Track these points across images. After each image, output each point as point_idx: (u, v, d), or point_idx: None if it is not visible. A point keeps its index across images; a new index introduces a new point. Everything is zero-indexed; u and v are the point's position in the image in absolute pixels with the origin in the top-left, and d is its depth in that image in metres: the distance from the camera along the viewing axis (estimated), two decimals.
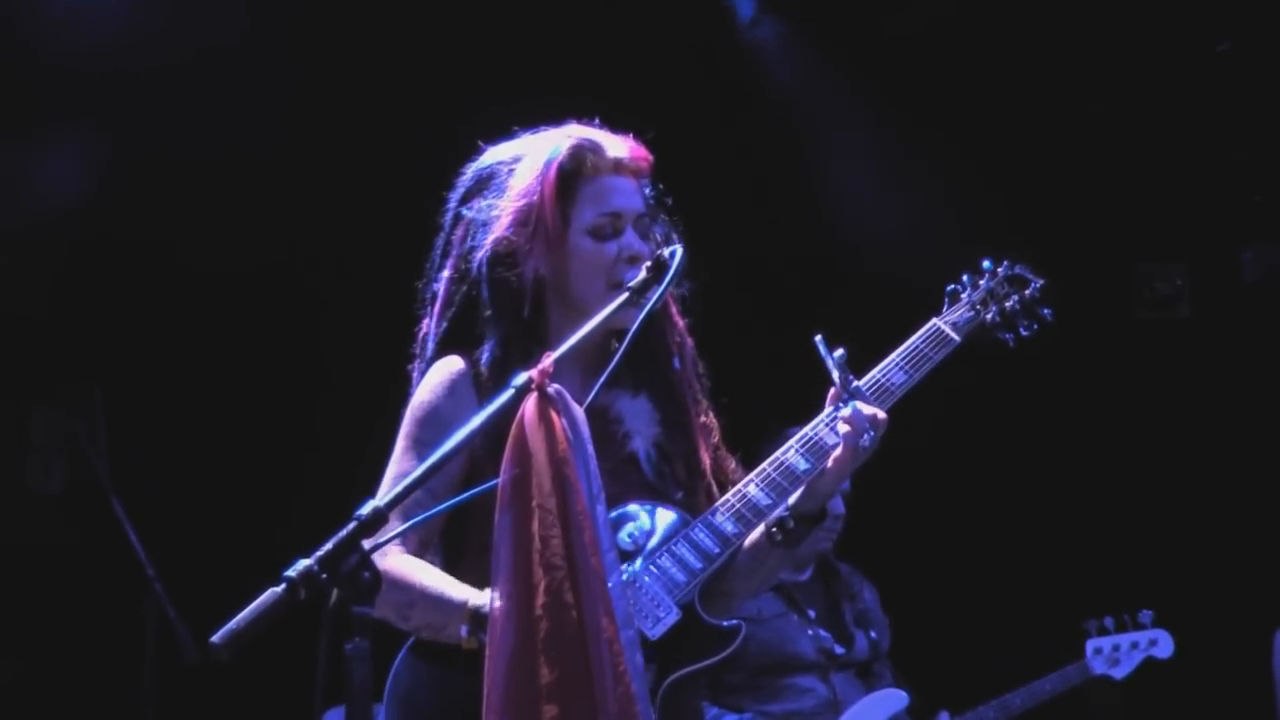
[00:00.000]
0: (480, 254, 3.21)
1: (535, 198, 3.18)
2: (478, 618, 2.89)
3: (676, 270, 2.87)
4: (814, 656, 5.55)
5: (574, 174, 3.20)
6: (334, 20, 6.31)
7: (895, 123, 7.18)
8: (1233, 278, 7.52)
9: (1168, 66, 7.17)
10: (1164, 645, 5.82)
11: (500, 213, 3.22)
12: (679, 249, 2.92)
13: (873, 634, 5.70)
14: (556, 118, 3.35)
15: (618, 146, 3.26)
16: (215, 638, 2.26)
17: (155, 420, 6.54)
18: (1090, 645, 5.82)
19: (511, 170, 3.25)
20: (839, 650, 5.58)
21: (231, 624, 2.27)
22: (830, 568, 5.79)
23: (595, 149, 3.23)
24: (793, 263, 7.23)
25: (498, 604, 2.57)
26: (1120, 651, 5.80)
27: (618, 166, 3.24)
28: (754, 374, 5.87)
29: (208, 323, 6.52)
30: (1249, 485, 6.97)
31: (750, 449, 3.42)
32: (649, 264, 2.93)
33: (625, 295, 2.91)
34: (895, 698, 5.51)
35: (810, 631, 5.58)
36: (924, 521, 6.95)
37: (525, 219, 3.19)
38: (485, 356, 3.19)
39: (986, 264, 3.52)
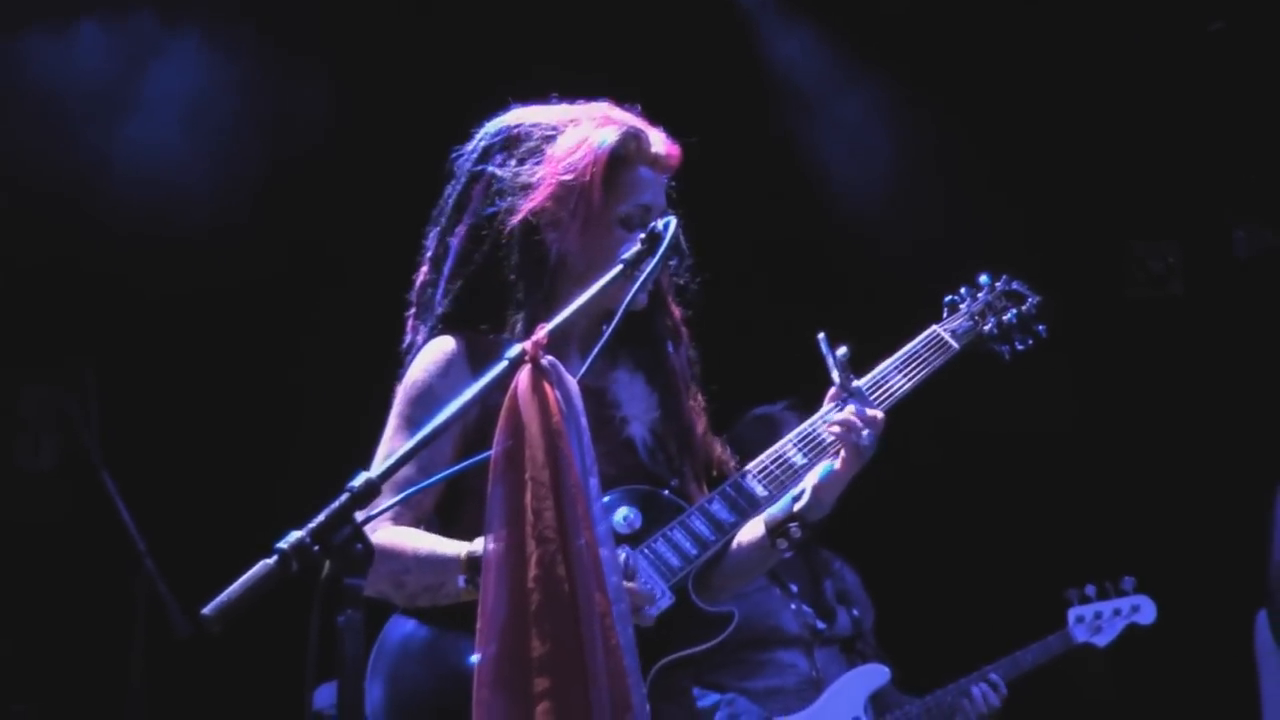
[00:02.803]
0: (515, 219, 3.18)
1: (586, 178, 3.14)
2: (474, 564, 2.87)
3: (670, 241, 2.84)
4: (797, 630, 5.54)
5: (621, 161, 3.18)
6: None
7: (887, 102, 7.18)
8: (1225, 255, 7.52)
9: (1160, 44, 7.17)
10: (1146, 611, 5.80)
11: (540, 181, 3.18)
12: (672, 221, 2.89)
13: (855, 611, 5.69)
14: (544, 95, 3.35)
15: (659, 142, 3.26)
16: (206, 609, 2.24)
17: (146, 396, 6.53)
18: (1072, 614, 5.79)
19: (549, 138, 3.22)
20: (820, 626, 5.58)
21: (223, 596, 2.26)
22: (807, 541, 5.77)
23: (641, 140, 3.22)
24: (794, 247, 7.22)
25: (492, 553, 2.55)
26: (1103, 619, 5.77)
27: (655, 161, 3.24)
28: (756, 362, 5.89)
29: (199, 298, 6.51)
30: (1238, 460, 6.97)
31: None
32: (643, 236, 2.89)
33: (619, 267, 2.87)
34: (877, 673, 5.50)
35: (793, 606, 5.57)
36: (903, 495, 6.94)
37: (567, 195, 3.15)
38: (515, 325, 3.16)
39: (984, 278, 3.62)
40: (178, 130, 6.41)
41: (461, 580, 2.92)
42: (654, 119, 3.32)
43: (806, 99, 7.16)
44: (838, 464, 3.17)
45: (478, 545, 2.89)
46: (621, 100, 3.34)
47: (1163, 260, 7.60)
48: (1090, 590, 5.82)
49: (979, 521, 7.10)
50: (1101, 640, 5.76)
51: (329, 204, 6.47)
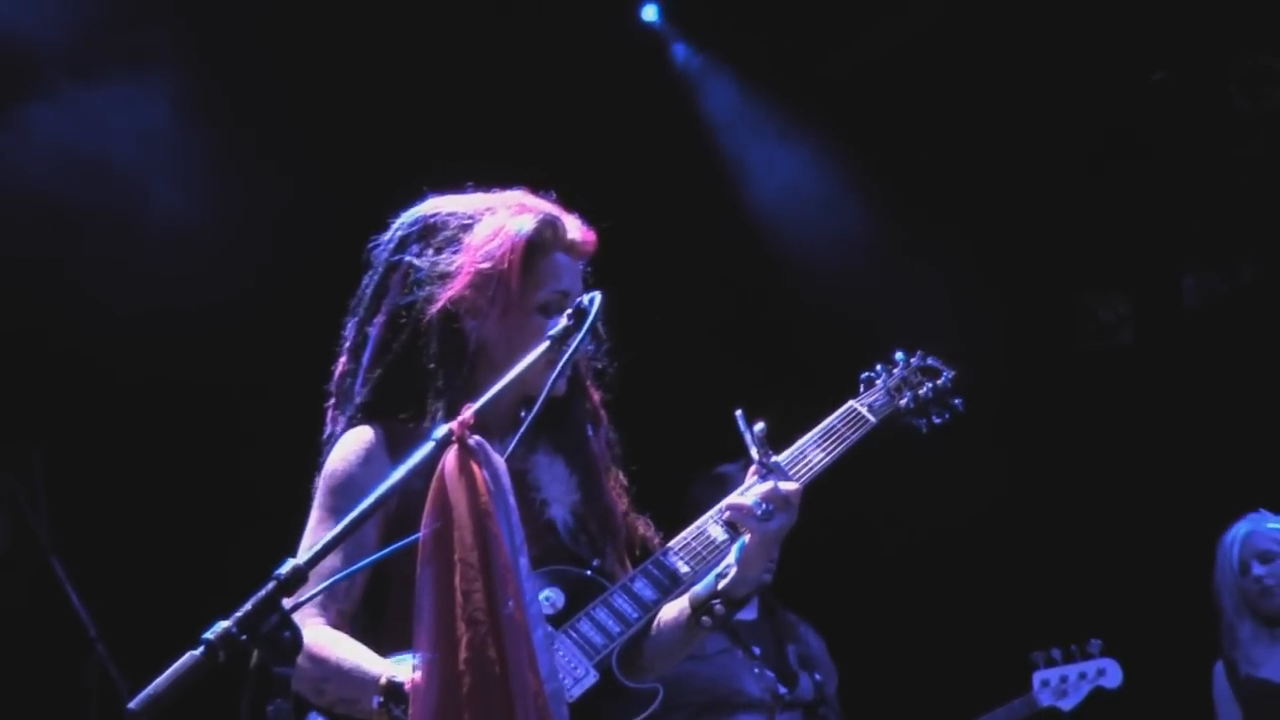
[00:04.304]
0: (433, 308, 3.17)
1: (504, 266, 3.15)
2: (392, 690, 2.82)
3: (596, 316, 2.85)
4: (758, 694, 5.50)
5: (538, 248, 3.19)
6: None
7: (835, 161, 7.21)
8: (1175, 304, 7.56)
9: (1104, 96, 7.23)
10: (1112, 675, 5.79)
11: (458, 270, 3.18)
12: (598, 296, 2.89)
13: (817, 676, 5.66)
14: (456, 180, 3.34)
15: (575, 228, 3.27)
16: (133, 704, 2.22)
17: (95, 480, 6.48)
18: (1037, 677, 5.78)
19: (466, 227, 3.22)
20: (783, 690, 5.54)
21: (149, 689, 2.23)
22: (772, 605, 5.75)
23: (557, 227, 3.23)
24: (741, 315, 7.24)
25: (420, 662, 2.53)
26: (1068, 683, 5.76)
27: (571, 247, 3.25)
28: (677, 433, 5.87)
29: (148, 382, 6.46)
30: (1194, 511, 6.98)
31: (669, 506, 3.45)
32: (570, 311, 2.89)
33: (545, 344, 2.86)
34: None
35: (756, 670, 5.54)
36: (867, 556, 6.94)
37: (485, 283, 3.16)
38: (436, 413, 3.13)
39: (899, 354, 3.67)
40: (136, 212, 6.37)
41: (375, 702, 2.85)
42: (569, 204, 3.33)
43: (739, 163, 7.19)
44: (747, 540, 3.15)
45: (398, 671, 2.84)
46: (539, 185, 3.36)
47: (1113, 310, 7.63)
48: (1056, 653, 5.80)
49: (943, 585, 7.08)
50: (1066, 704, 5.75)
51: (274, 295, 6.44)
